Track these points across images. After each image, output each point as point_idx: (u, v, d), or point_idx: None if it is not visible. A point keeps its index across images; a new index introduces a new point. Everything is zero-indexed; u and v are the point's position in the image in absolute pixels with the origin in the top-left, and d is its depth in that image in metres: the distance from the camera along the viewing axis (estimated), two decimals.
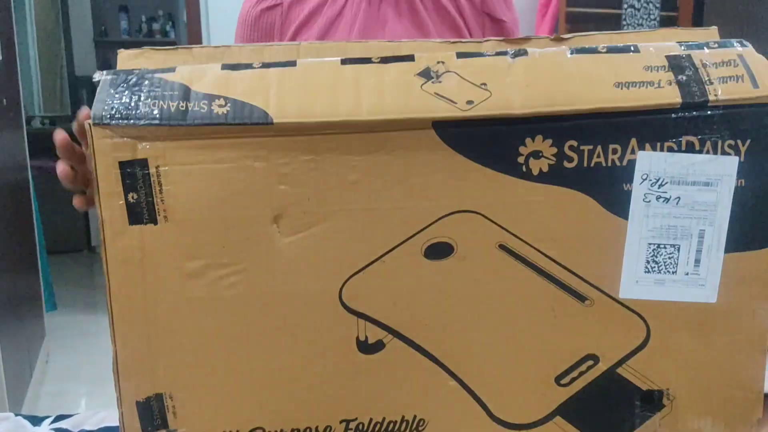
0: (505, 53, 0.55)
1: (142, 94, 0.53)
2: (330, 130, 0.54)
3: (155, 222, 0.54)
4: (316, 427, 0.59)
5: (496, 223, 0.57)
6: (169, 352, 0.56)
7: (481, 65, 0.54)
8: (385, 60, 0.53)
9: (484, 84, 0.53)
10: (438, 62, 0.53)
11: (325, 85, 0.53)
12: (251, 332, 0.57)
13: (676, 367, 0.59)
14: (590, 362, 0.59)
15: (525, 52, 0.55)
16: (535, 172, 0.56)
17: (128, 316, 0.55)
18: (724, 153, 0.56)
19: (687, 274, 0.58)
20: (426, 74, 0.53)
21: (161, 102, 0.52)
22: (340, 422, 0.59)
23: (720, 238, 0.58)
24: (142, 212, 0.54)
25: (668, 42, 0.58)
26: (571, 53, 0.55)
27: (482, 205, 0.57)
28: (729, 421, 0.61)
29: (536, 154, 0.56)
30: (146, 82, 0.53)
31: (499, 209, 0.57)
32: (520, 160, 0.56)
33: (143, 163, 0.53)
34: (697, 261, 0.58)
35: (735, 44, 0.57)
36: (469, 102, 0.53)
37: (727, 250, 0.58)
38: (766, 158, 0.57)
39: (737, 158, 0.56)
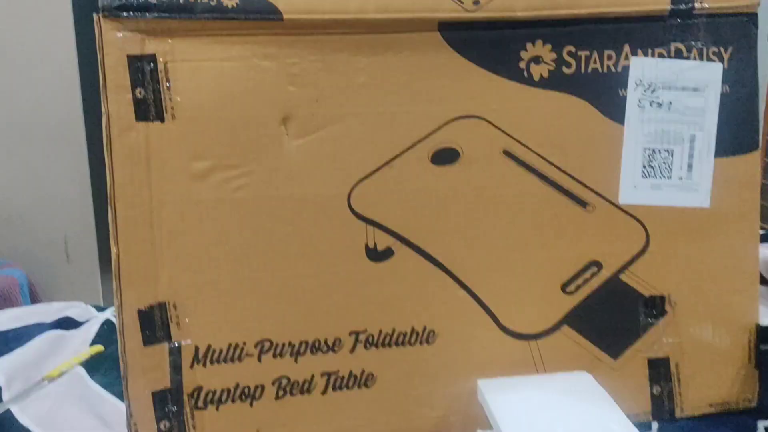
0: None
1: None
2: (338, 28, 0.54)
3: (162, 119, 0.53)
4: (325, 340, 0.57)
5: (499, 129, 0.58)
6: (174, 258, 0.54)
7: None
8: None
9: None
10: None
11: None
12: (259, 238, 0.55)
13: (676, 273, 0.61)
14: (594, 269, 0.60)
15: None
16: (536, 77, 0.58)
17: (132, 217, 0.53)
18: (709, 59, 0.60)
19: (681, 178, 0.60)
20: None
21: None
22: (350, 334, 0.57)
23: (709, 142, 0.60)
24: (149, 108, 0.53)
25: None
26: None
27: (486, 111, 0.58)
28: (729, 326, 0.62)
29: (537, 60, 0.58)
30: None
31: (502, 115, 0.58)
32: (522, 65, 0.58)
33: (151, 58, 0.53)
34: (690, 166, 0.60)
35: None
36: (476, 2, 0.55)
37: (716, 155, 0.61)
38: (747, 66, 0.60)
39: (721, 65, 0.60)
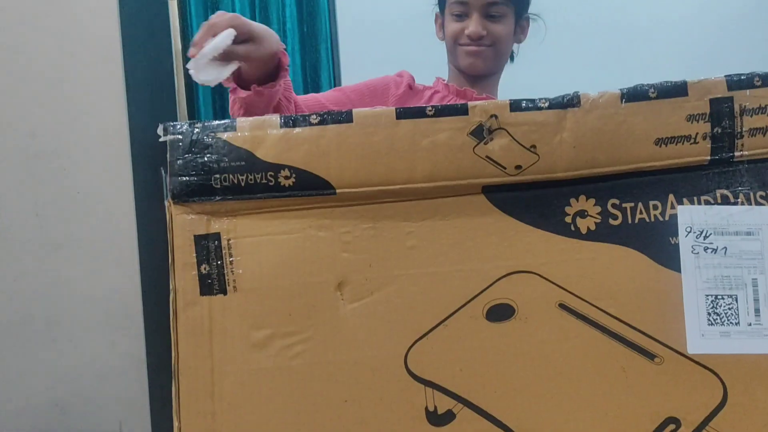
0: (558, 103, 0.58)
1: (212, 165, 0.57)
2: (388, 197, 0.58)
3: (225, 292, 0.56)
4: None
5: (552, 282, 0.58)
6: (234, 429, 0.54)
7: (533, 123, 0.58)
8: (438, 112, 0.58)
9: (533, 147, 0.58)
10: (491, 116, 0.58)
11: (381, 147, 0.58)
12: (317, 405, 0.55)
13: (760, 423, 0.56)
14: (672, 426, 0.57)
15: (578, 102, 0.58)
16: (583, 230, 0.59)
17: (194, 390, 0.54)
18: (758, 203, 0.60)
19: (750, 324, 0.58)
20: (478, 134, 0.58)
21: (231, 176, 0.57)
22: None
23: None
24: (213, 283, 0.56)
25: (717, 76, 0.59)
26: (623, 101, 0.58)
27: (537, 265, 0.59)
28: None
29: (582, 214, 0.59)
30: (211, 147, 0.57)
31: (554, 268, 0.59)
32: (568, 219, 0.59)
33: (216, 237, 0.57)
34: (757, 310, 0.58)
35: None
36: (518, 167, 0.58)
37: None
38: None
39: None
